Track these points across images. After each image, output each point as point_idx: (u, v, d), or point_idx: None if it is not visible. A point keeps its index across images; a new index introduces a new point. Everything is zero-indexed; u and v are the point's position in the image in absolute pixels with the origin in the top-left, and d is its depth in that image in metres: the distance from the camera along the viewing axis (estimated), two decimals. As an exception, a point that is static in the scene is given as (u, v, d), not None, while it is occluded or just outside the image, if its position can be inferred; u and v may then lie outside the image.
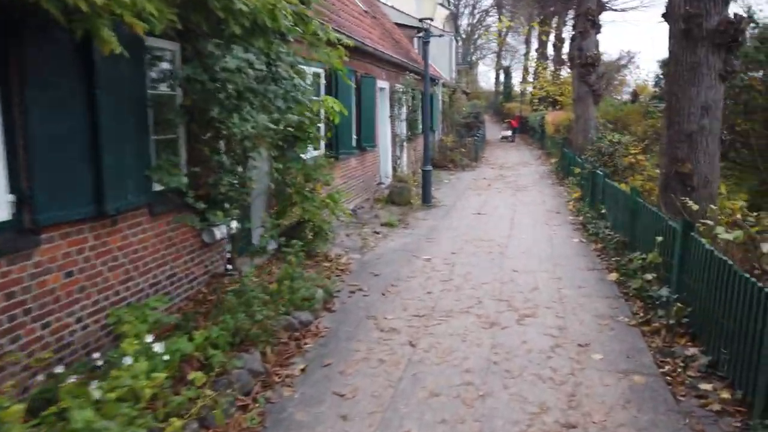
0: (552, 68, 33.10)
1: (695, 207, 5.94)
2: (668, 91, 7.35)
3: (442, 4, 37.07)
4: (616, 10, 20.42)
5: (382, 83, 14.20)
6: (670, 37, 7.21)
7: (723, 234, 5.33)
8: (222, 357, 4.07)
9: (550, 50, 34.95)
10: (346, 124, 10.71)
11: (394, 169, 15.79)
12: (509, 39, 60.94)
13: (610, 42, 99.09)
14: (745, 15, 7.59)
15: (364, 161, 12.63)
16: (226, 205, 5.73)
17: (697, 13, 6.75)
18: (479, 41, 65.29)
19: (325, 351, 5.01)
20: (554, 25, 32.27)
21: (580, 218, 10.82)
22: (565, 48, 42.93)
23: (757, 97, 9.87)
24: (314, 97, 7.59)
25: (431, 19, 11.83)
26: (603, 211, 9.71)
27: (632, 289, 6.48)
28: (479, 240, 9.46)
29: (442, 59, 30.98)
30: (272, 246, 7.22)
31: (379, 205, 12.38)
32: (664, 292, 5.81)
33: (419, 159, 19.06)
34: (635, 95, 29.04)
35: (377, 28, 16.40)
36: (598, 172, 10.56)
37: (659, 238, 6.16)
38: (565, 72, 32.18)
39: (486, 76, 74.55)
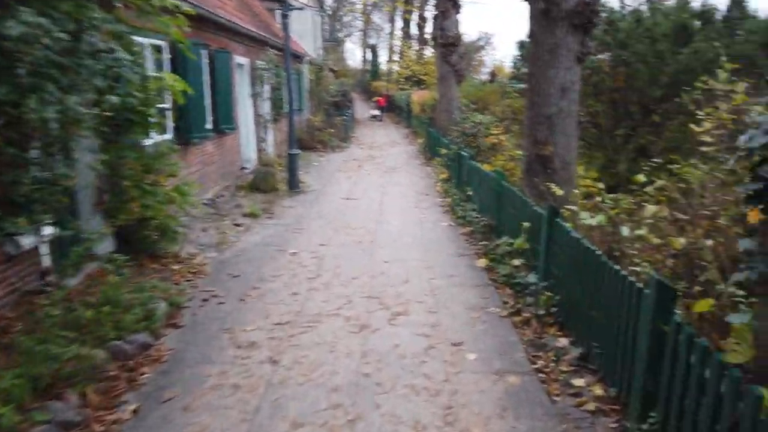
0: (416, 48, 33.44)
1: (560, 192, 5.88)
2: (529, 73, 7.29)
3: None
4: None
5: (240, 59, 13.07)
6: (530, 18, 7.11)
7: (587, 219, 5.29)
8: (14, 415, 3.11)
9: (414, 30, 35.29)
10: (198, 105, 9.58)
11: (260, 152, 14.77)
12: (375, 17, 61.07)
13: (469, 23, 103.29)
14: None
15: (222, 145, 11.52)
16: (34, 208, 4.61)
17: (555, -6, 6.69)
18: (345, 18, 64.76)
19: (165, 381, 4.18)
20: (417, 4, 32.51)
21: (448, 200, 10.76)
22: (429, 28, 43.87)
23: (605, 78, 10.39)
24: (151, 74, 6.50)
25: (289, -9, 10.93)
26: (470, 193, 9.67)
27: (501, 275, 6.36)
28: (349, 228, 8.96)
29: (306, 36, 29.90)
30: (108, 249, 6.11)
31: (242, 192, 11.40)
32: (532, 278, 5.72)
33: (287, 140, 18.16)
34: (493, 75, 30.35)
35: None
36: (463, 153, 10.52)
37: (526, 224, 6.06)
38: (429, 52, 32.70)
39: (353, 54, 74.26)
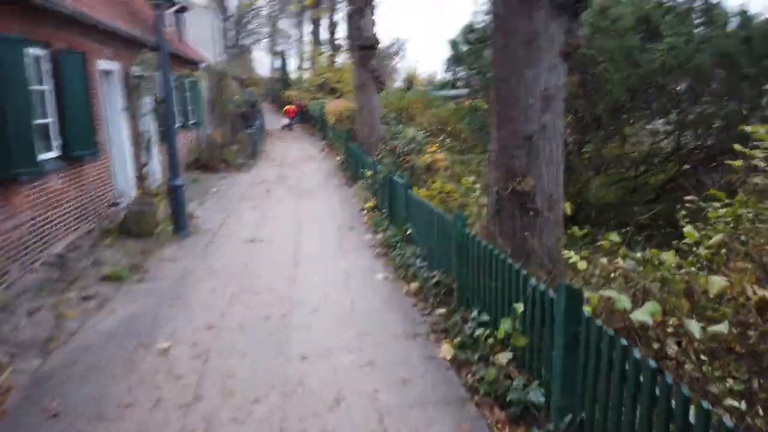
0: (328, 53, 31.12)
1: (577, 260, 3.77)
2: (496, 77, 5.17)
3: (203, -20, 32.42)
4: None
5: (106, 64, 10.13)
6: (495, 1, 5.00)
7: (636, 315, 3.19)
8: None
9: (324, 35, 32.97)
10: (22, 126, 6.67)
11: (141, 180, 11.81)
12: (282, 24, 58.07)
13: (379, 28, 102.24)
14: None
15: (80, 176, 8.59)
16: None
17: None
18: (250, 25, 61.12)
19: None
20: (325, 6, 30.22)
21: (380, 237, 8.51)
22: (340, 32, 41.47)
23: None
24: None
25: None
26: (409, 231, 7.46)
27: (482, 382, 4.15)
28: (252, 292, 6.45)
29: (205, 41, 26.71)
30: None
31: (109, 239, 8.52)
32: (536, 396, 3.58)
33: (182, 161, 15.18)
34: (410, 83, 28.68)
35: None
36: (397, 179, 8.32)
37: (519, 307, 3.90)
38: (342, 58, 30.50)
39: (262, 63, 70.40)
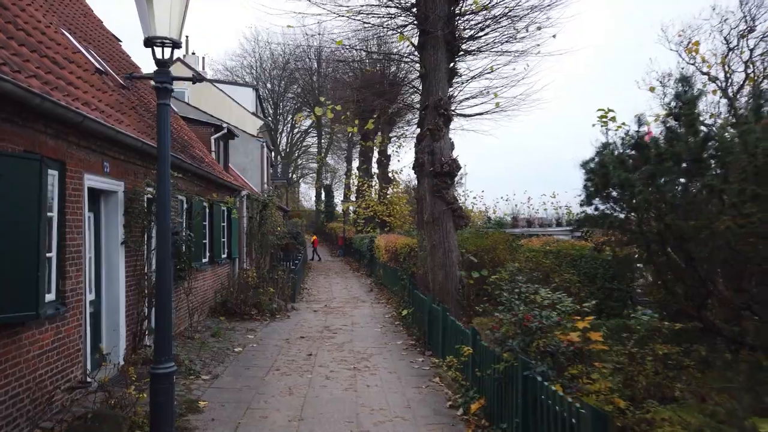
0: (377, 186, 28.87)
1: None
2: None
3: (256, 114, 31.78)
4: (464, 114, 16.11)
5: (98, 181, 7.17)
6: None
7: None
8: None
9: (374, 168, 31.08)
10: None
11: (139, 339, 8.34)
12: (329, 159, 58.16)
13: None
14: None
15: (14, 350, 5.14)
16: None
17: None
18: (299, 161, 61.63)
19: None
20: (377, 139, 28.48)
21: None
22: (394, 164, 39.63)
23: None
24: None
25: (178, 45, 5.26)
26: None
27: None
28: None
29: (253, 170, 24.85)
30: None
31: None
32: None
33: (201, 308, 11.80)
34: (466, 220, 25.82)
35: (120, 95, 9.56)
36: (542, 381, 4.53)
37: None
38: (392, 190, 28.13)
39: (307, 195, 70.39)
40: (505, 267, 10.80)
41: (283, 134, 59.11)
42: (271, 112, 55.28)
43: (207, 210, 13.18)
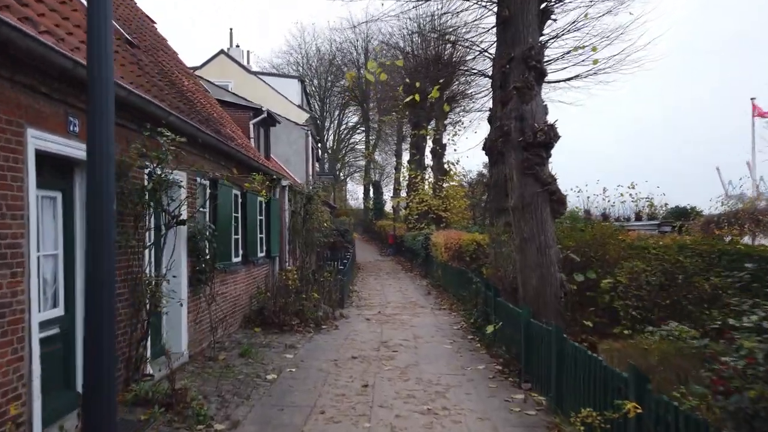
0: (432, 179, 26.19)
1: None
2: None
3: (301, 107, 29.66)
4: (548, 81, 13.22)
5: (62, 144, 4.84)
6: None
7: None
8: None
9: (428, 160, 28.43)
10: None
11: (137, 366, 6.02)
12: (377, 156, 55.82)
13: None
14: None
15: None
16: None
17: None
18: (347, 158, 59.55)
19: None
20: (432, 128, 25.82)
21: None
22: (450, 154, 36.33)
23: None
24: None
25: None
26: None
27: None
28: None
29: (297, 161, 22.67)
30: None
31: None
32: None
33: (231, 318, 9.43)
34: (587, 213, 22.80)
35: (133, 61, 7.29)
36: None
37: None
38: (448, 183, 25.37)
39: (355, 194, 68.22)
40: (622, 268, 7.96)
41: (330, 131, 57.24)
42: (318, 108, 53.48)
43: (239, 199, 10.89)
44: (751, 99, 29.12)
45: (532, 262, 8.20)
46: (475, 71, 13.48)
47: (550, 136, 8.27)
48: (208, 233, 8.08)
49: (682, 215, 21.23)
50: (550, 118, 8.52)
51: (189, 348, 7.95)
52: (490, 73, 12.55)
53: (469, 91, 24.14)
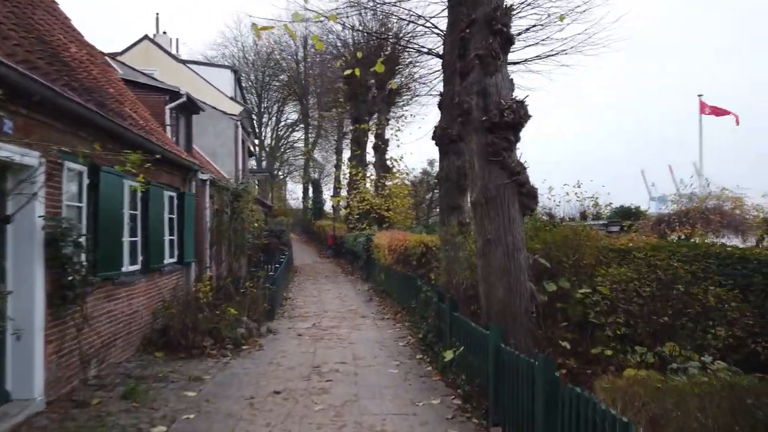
0: (374, 176, 24.52)
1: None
2: None
3: (235, 99, 27.14)
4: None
5: None
6: None
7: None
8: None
9: (369, 156, 26.72)
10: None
11: None
12: (317, 155, 53.55)
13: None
14: None
15: None
16: None
17: None
18: (285, 155, 56.82)
19: None
20: (374, 121, 24.21)
21: None
22: (393, 150, 34.32)
23: None
24: None
25: None
26: None
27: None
28: None
29: (225, 155, 20.32)
30: None
31: None
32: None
33: (125, 341, 7.21)
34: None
35: None
36: None
37: None
38: (390, 181, 23.77)
39: (295, 194, 65.26)
40: (602, 276, 6.52)
41: (269, 128, 54.51)
42: (255, 103, 50.66)
43: (138, 193, 8.70)
44: (699, 96, 29.22)
45: (498, 269, 6.60)
46: (425, 50, 11.81)
47: (520, 114, 6.71)
48: (74, 236, 5.95)
49: (627, 215, 20.63)
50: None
51: (47, 391, 5.79)
52: (441, 52, 10.96)
53: (417, 74, 22.44)
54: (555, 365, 4.32)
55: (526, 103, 6.79)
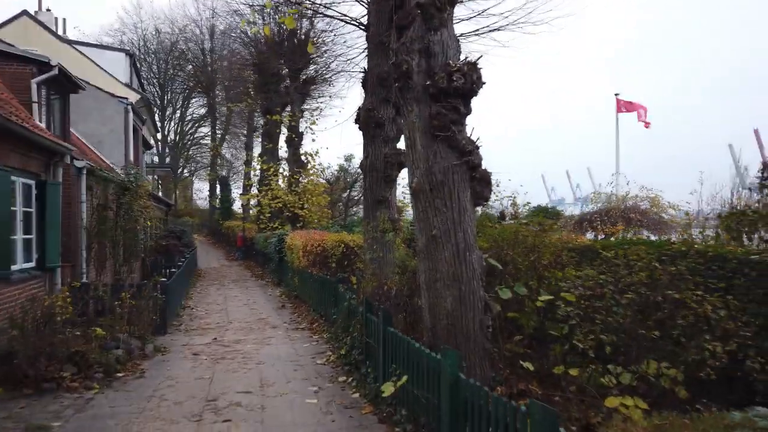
0: (287, 172, 22.59)
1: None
2: None
3: (129, 86, 23.92)
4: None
5: None
6: None
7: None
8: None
9: (282, 151, 24.68)
10: None
11: None
12: (226, 152, 50.13)
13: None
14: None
15: None
16: None
17: None
18: (190, 151, 52.70)
19: None
20: (287, 112, 22.36)
21: None
22: (308, 144, 31.44)
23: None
24: None
25: None
26: None
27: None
28: None
29: (113, 143, 17.49)
30: None
31: None
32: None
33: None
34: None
35: None
36: None
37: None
38: (305, 178, 21.95)
39: (203, 193, 60.79)
40: (568, 278, 5.34)
41: (172, 122, 50.30)
42: (157, 95, 46.42)
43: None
44: (615, 95, 30.05)
45: (447, 274, 5.20)
46: (347, 18, 10.22)
47: (472, 79, 5.35)
48: None
49: (545, 215, 20.40)
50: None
51: None
52: (365, 22, 9.45)
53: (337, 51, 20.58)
54: (557, 418, 2.93)
55: (480, 66, 5.45)
